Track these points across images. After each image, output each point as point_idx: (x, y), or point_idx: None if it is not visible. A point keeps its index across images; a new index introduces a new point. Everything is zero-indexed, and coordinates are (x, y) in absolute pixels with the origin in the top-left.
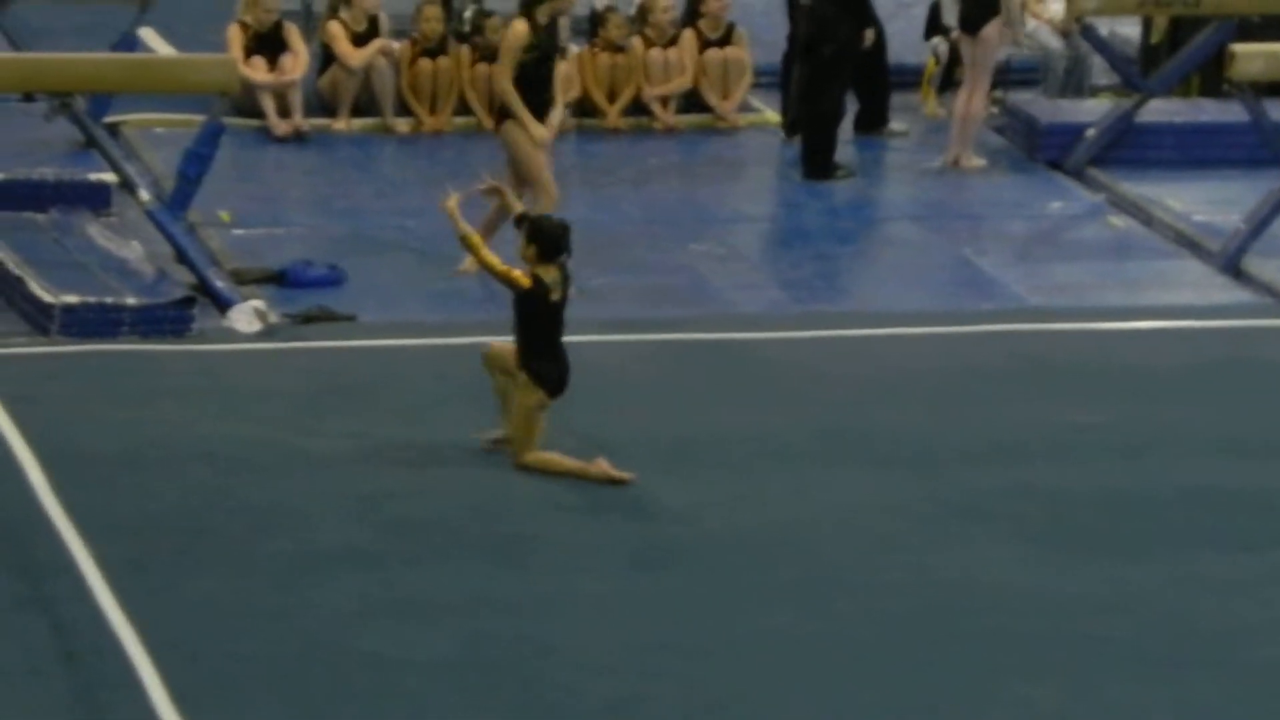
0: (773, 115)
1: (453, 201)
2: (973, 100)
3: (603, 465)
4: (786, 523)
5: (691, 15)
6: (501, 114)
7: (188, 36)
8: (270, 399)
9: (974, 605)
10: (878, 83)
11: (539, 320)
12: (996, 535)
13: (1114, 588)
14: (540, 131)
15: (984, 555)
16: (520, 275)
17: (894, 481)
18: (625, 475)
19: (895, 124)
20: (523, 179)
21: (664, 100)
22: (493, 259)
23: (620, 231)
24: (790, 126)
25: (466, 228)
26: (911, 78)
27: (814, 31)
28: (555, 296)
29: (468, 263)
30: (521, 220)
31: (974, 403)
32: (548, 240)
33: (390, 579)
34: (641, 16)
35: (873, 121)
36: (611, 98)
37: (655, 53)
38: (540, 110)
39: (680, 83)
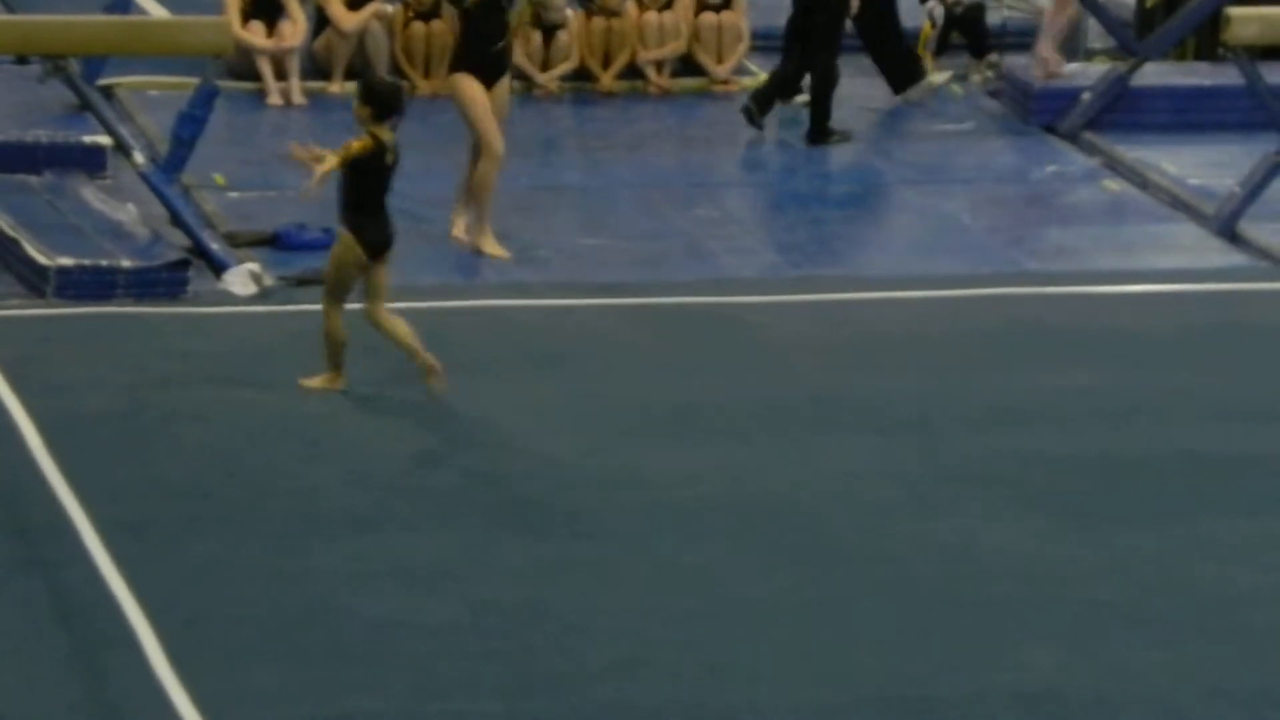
0: (761, 76)
1: (297, 151)
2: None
3: (431, 361)
4: (784, 489)
5: None
6: (451, 68)
7: None
8: (266, 361)
9: (973, 570)
10: (891, 45)
11: (371, 180)
12: (994, 500)
13: (1112, 552)
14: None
15: (982, 520)
16: (360, 142)
17: (891, 447)
18: (435, 370)
19: (935, 75)
20: (473, 135)
21: (659, 65)
22: (334, 157)
23: (614, 196)
24: (777, 90)
25: (319, 164)
26: (909, 42)
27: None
28: (390, 159)
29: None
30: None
31: (970, 367)
32: (381, 99)
33: (390, 543)
34: None
35: (906, 80)
36: (606, 63)
37: (650, 16)
38: (487, 65)
39: (675, 47)
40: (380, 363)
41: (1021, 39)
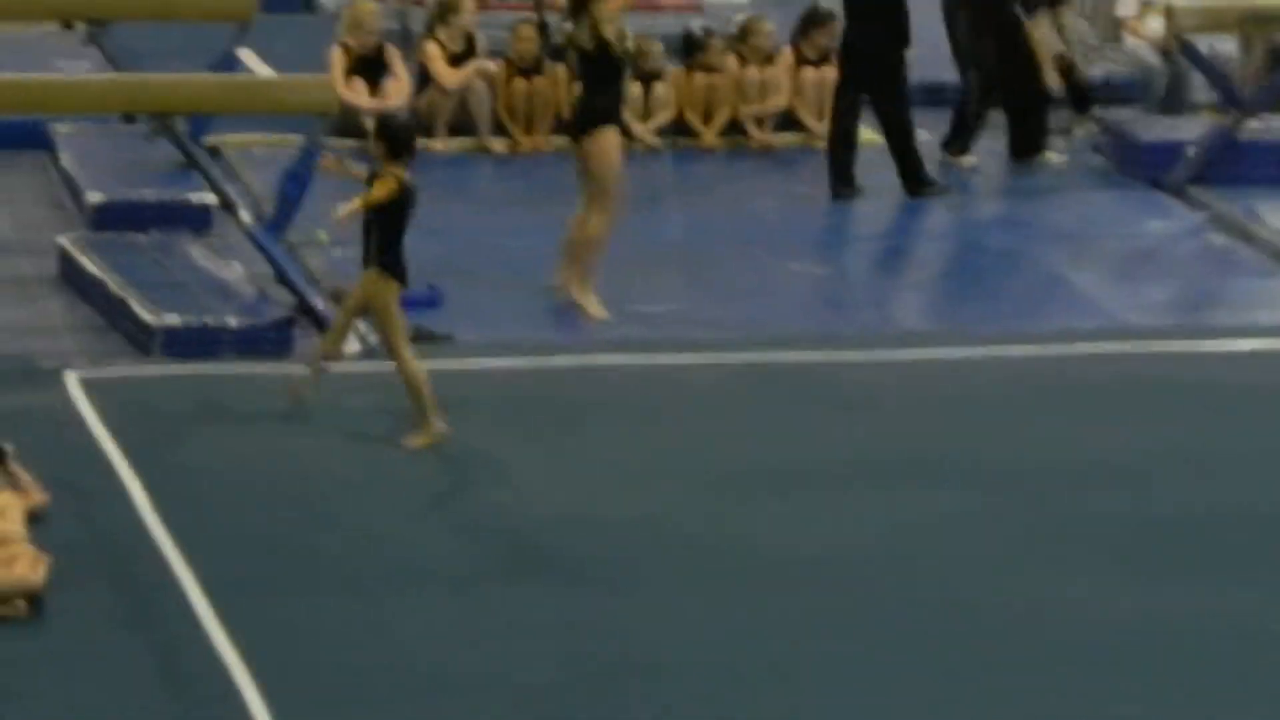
0: (870, 135)
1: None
2: None
3: (441, 427)
4: (879, 544)
5: (801, 36)
6: (583, 125)
7: (287, 58)
8: (369, 418)
9: (1070, 628)
10: (1031, 110)
11: (399, 219)
12: (1093, 557)
13: (1206, 609)
14: None
15: (1080, 577)
16: (385, 186)
17: (988, 503)
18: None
19: (1053, 154)
20: (598, 190)
21: (759, 120)
22: (360, 200)
23: (716, 251)
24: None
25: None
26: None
27: (852, 55)
28: (410, 199)
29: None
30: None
31: (1072, 423)
32: (394, 138)
33: (487, 599)
34: (741, 36)
35: (1028, 150)
36: (706, 118)
37: (751, 71)
38: (618, 114)
39: (776, 102)
40: (477, 418)
41: (1124, 94)
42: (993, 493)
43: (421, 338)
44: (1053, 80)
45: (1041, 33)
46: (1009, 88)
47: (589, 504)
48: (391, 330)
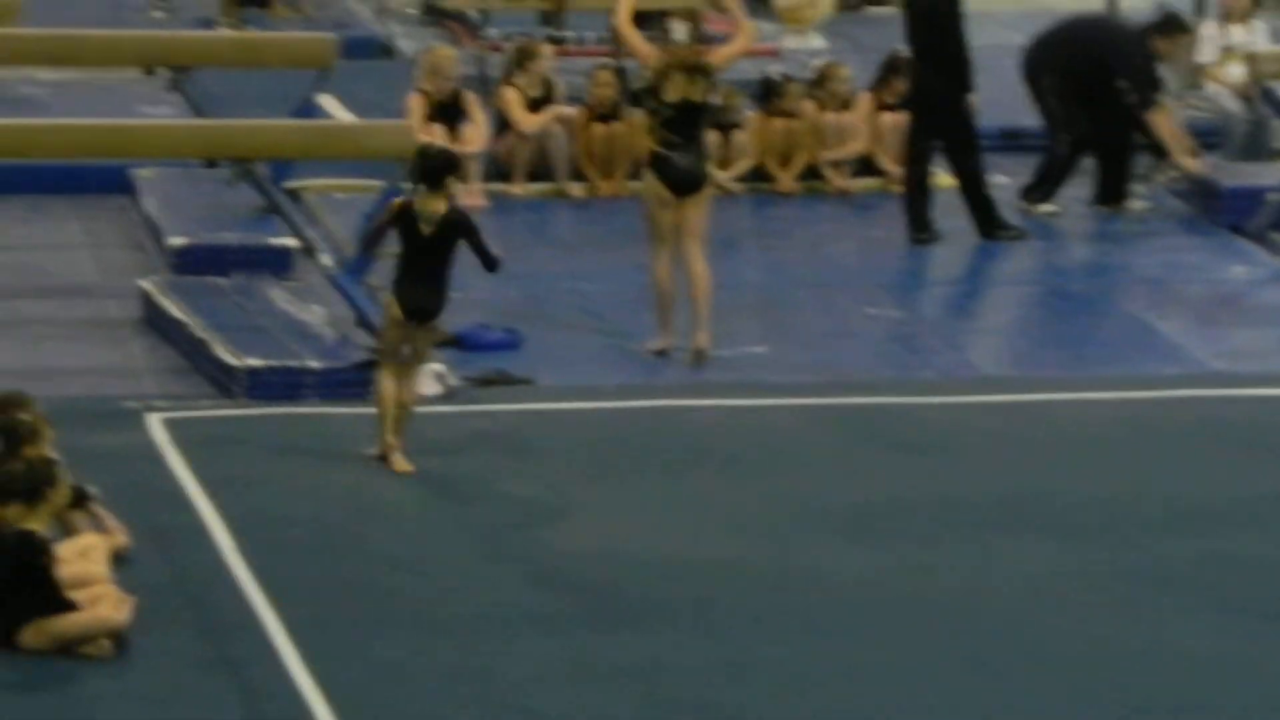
0: (946, 179)
1: None
2: None
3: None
4: (968, 591)
5: (880, 83)
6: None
7: (367, 103)
8: (450, 461)
9: (1161, 675)
10: (1120, 159)
11: (406, 245)
12: (1182, 603)
13: None
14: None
15: (1170, 624)
16: (390, 206)
17: (1076, 549)
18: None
19: (1137, 201)
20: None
21: (837, 165)
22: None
23: (794, 295)
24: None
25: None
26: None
27: (923, 102)
28: (425, 230)
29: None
30: None
31: (1158, 468)
32: (423, 166)
33: (571, 642)
34: (819, 82)
35: (1113, 198)
36: (784, 163)
37: (830, 117)
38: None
39: (854, 148)
40: (557, 461)
41: (1205, 140)
42: (1078, 538)
43: (501, 380)
44: (1191, 166)
45: (1168, 121)
46: (1101, 139)
47: (670, 547)
48: (381, 346)
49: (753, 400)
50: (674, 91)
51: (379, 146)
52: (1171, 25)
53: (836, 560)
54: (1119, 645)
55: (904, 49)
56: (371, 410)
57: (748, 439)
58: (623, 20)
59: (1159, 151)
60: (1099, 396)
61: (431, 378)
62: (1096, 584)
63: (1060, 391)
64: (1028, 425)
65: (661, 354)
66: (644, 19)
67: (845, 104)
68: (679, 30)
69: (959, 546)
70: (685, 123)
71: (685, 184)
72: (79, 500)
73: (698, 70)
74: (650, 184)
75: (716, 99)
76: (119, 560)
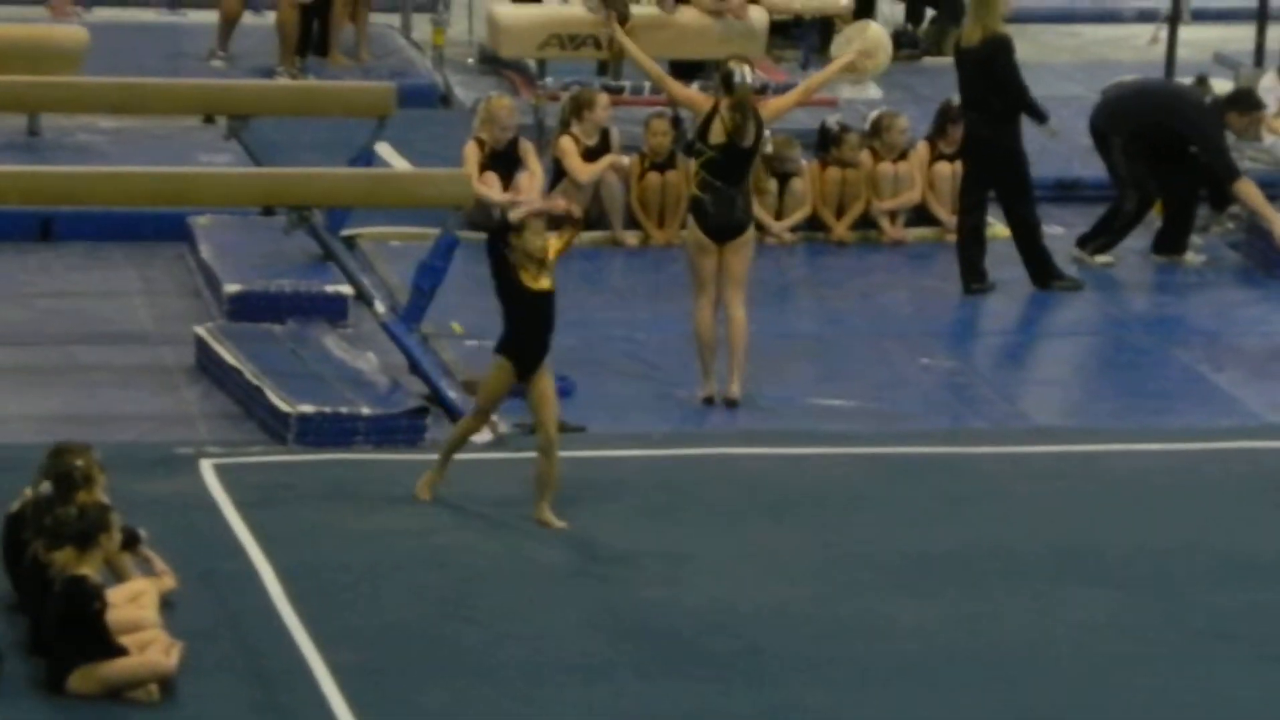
0: (1001, 229)
1: None
2: None
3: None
4: (1020, 642)
5: (937, 132)
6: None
7: (424, 152)
8: (502, 508)
9: None
10: (1184, 210)
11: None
12: (1240, 657)
13: None
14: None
15: (1228, 678)
16: None
17: (1130, 601)
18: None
19: (1191, 254)
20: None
21: (892, 215)
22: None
23: (848, 345)
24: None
25: None
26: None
27: (976, 151)
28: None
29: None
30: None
31: (1211, 520)
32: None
33: (621, 690)
34: (875, 131)
35: (1171, 248)
36: (839, 212)
37: (885, 166)
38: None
39: (909, 197)
40: (610, 508)
41: (1264, 191)
42: (1130, 589)
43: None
44: None
45: (1256, 191)
46: (1169, 191)
47: (723, 595)
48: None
49: (804, 448)
50: (719, 133)
51: (434, 195)
52: (1247, 101)
53: (888, 610)
54: (1172, 698)
55: (957, 98)
56: (419, 457)
57: (799, 487)
58: (655, 73)
59: (1219, 204)
60: (1152, 448)
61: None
62: (1149, 636)
63: (1113, 442)
64: (1080, 476)
65: (709, 401)
66: (697, 69)
67: (902, 154)
68: (740, 72)
69: (1011, 598)
70: (728, 167)
71: (723, 229)
72: (129, 543)
73: (744, 112)
74: (690, 229)
75: (766, 146)
76: (167, 604)
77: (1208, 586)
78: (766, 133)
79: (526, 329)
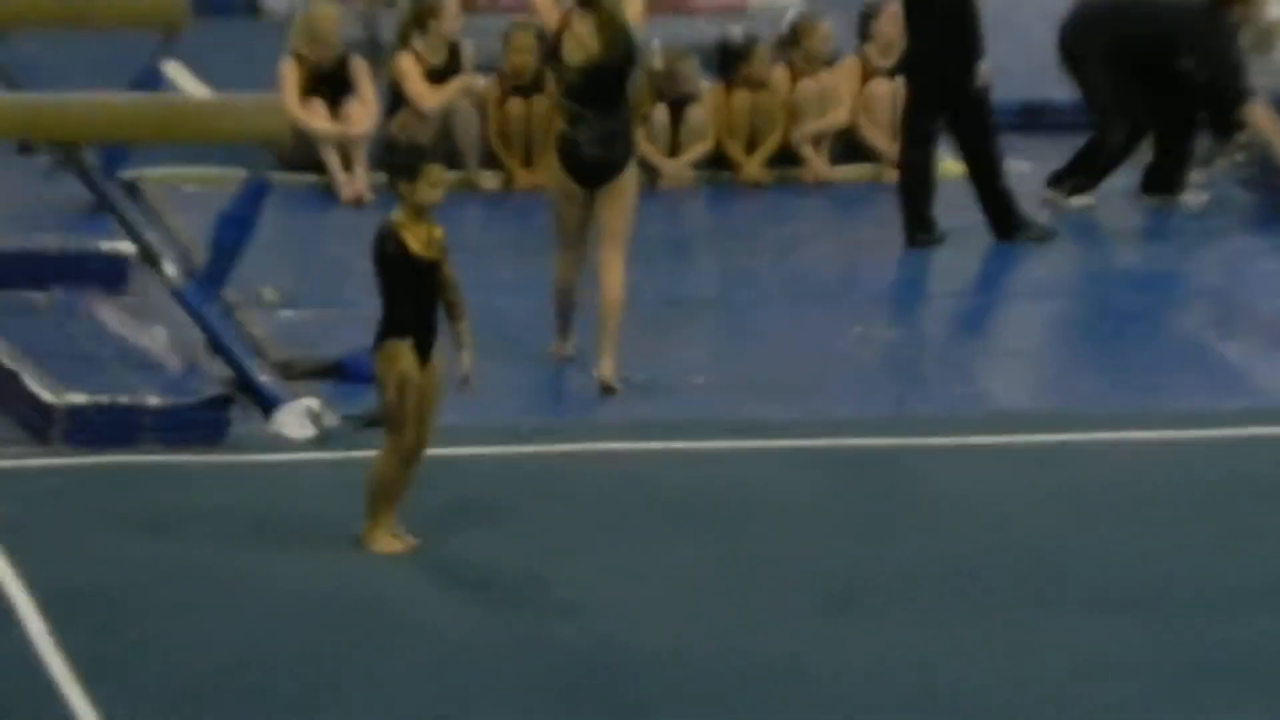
0: (952, 165)
1: None
2: None
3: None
4: (987, 683)
5: (864, 35)
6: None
7: (227, 73)
8: (326, 523)
9: None
10: (1179, 147)
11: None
12: (1242, 695)
13: None
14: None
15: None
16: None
17: (1117, 629)
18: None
19: (1191, 195)
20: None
21: (816, 142)
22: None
23: (761, 311)
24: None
25: None
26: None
27: (921, 67)
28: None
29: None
30: None
31: (1219, 526)
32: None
33: None
34: (792, 40)
35: (1164, 187)
36: (751, 146)
37: (807, 83)
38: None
39: (834, 118)
40: (473, 521)
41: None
42: (1122, 614)
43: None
44: None
45: (1268, 114)
46: (1164, 123)
47: (617, 628)
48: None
49: (711, 442)
50: (574, 50)
51: (241, 128)
52: None
53: (822, 644)
54: None
55: None
56: (221, 458)
57: (707, 490)
58: None
59: (1223, 133)
60: (1143, 436)
61: (303, 416)
62: (1140, 674)
63: (1095, 430)
64: (1055, 473)
65: (565, 361)
66: None
67: (826, 67)
68: None
69: (972, 628)
70: (595, 92)
71: (594, 170)
72: None
73: (600, 16)
74: (552, 170)
75: (652, 61)
76: None
77: (1211, 611)
78: (655, 43)
79: (418, 305)
